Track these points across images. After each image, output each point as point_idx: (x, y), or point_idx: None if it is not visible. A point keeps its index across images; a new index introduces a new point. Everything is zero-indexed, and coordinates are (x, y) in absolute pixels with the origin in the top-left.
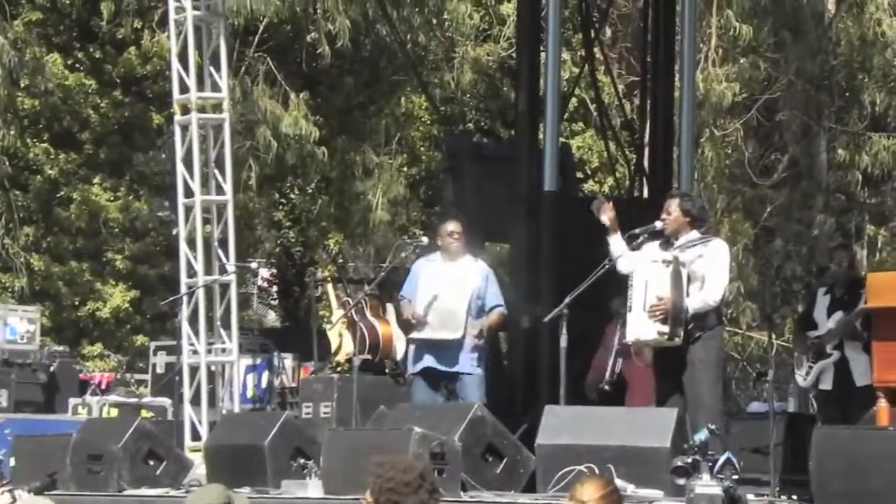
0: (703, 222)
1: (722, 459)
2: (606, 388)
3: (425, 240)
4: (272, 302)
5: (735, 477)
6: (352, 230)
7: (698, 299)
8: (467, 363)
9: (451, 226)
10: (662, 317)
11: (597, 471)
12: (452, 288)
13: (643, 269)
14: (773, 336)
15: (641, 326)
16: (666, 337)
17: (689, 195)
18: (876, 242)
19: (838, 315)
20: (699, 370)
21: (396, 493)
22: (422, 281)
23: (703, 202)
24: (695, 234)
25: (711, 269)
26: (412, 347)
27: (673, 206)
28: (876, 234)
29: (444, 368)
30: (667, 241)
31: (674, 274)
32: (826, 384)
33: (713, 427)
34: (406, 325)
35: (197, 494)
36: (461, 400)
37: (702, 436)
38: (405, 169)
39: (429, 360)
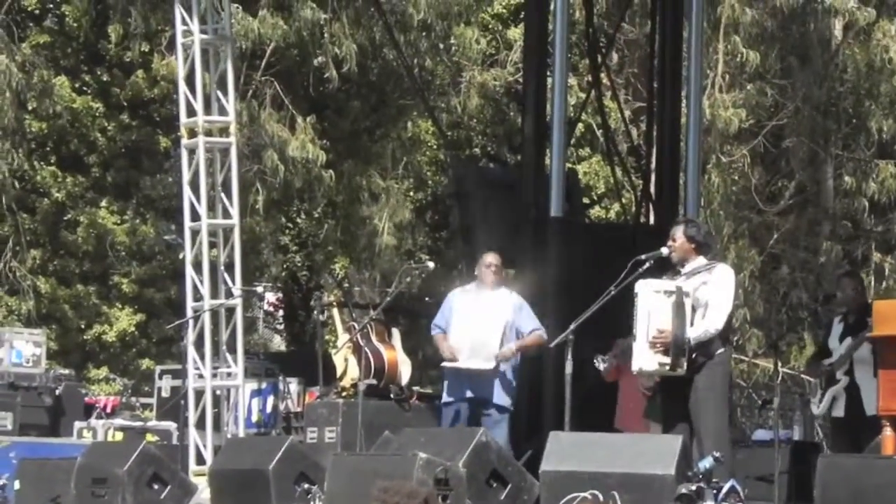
0: (710, 248)
1: (726, 487)
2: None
3: (431, 265)
4: (277, 326)
5: None
6: (358, 255)
7: (700, 328)
8: (501, 395)
9: (490, 258)
10: (664, 349)
11: (601, 497)
12: (486, 318)
13: (646, 299)
14: (779, 363)
15: (644, 357)
16: (667, 368)
17: (693, 222)
18: (883, 270)
19: (847, 341)
20: (704, 397)
21: None
22: (455, 311)
23: (709, 228)
24: (701, 260)
25: (715, 296)
26: (447, 376)
27: (678, 234)
28: (882, 261)
29: (477, 396)
30: (674, 269)
31: (676, 305)
32: (838, 411)
33: (718, 455)
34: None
35: None
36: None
37: (706, 463)
38: (411, 193)
39: (460, 390)
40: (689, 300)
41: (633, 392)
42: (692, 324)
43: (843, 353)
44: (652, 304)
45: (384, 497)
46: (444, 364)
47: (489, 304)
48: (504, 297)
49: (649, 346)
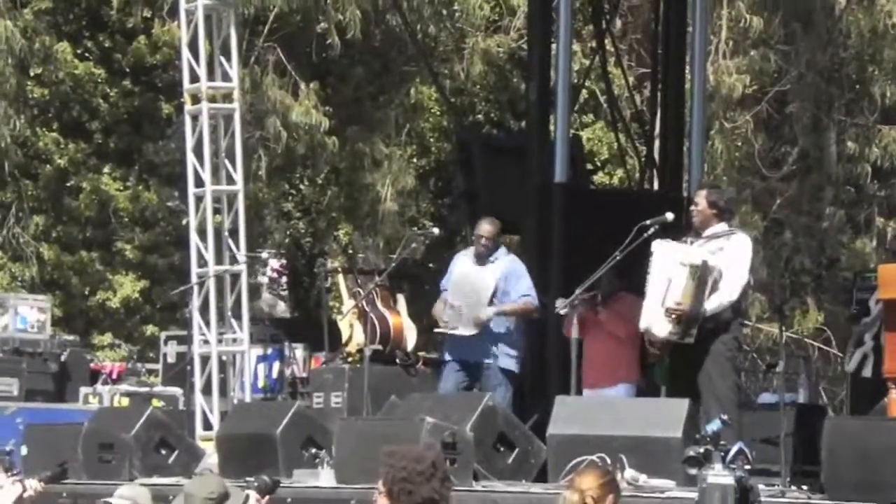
0: (731, 215)
1: (734, 450)
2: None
3: (436, 231)
4: (282, 292)
5: (747, 467)
6: (361, 221)
7: (716, 300)
8: (490, 352)
9: (482, 228)
10: (677, 320)
11: (608, 460)
12: (475, 285)
13: (666, 264)
14: (783, 328)
15: (655, 321)
16: (676, 337)
17: (717, 187)
18: (885, 235)
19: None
20: (712, 364)
21: (409, 482)
22: (453, 275)
23: (733, 193)
24: (722, 226)
25: (731, 266)
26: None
27: (701, 198)
28: (885, 226)
29: (468, 358)
30: (696, 232)
31: (699, 281)
32: (867, 371)
33: (725, 417)
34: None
35: (196, 483)
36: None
37: (714, 426)
38: (414, 160)
39: (455, 351)
40: (711, 277)
41: (600, 349)
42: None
43: (873, 316)
44: (674, 272)
45: (391, 461)
46: (436, 330)
47: (481, 271)
48: (497, 265)
49: (665, 314)
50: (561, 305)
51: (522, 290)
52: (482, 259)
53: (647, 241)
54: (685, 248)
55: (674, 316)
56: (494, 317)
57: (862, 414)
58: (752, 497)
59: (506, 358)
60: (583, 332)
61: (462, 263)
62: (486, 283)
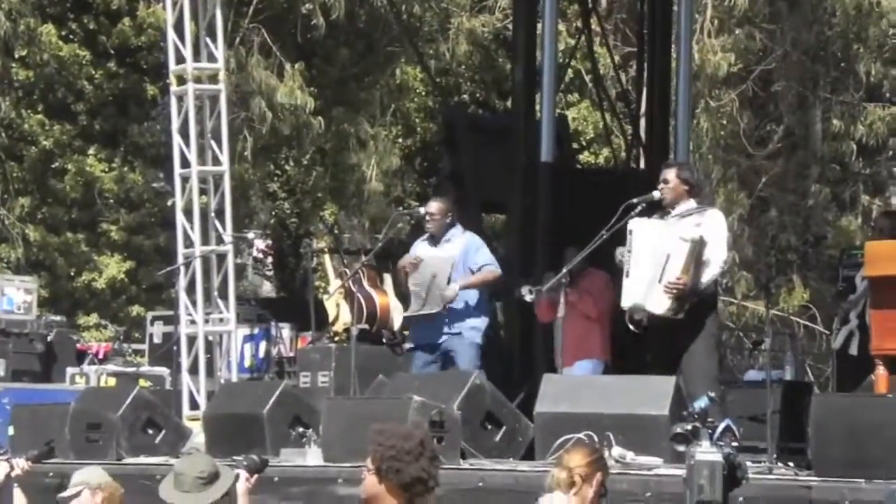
0: (700, 191)
1: (722, 426)
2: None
3: (422, 210)
4: (267, 273)
5: (735, 444)
6: (346, 201)
7: (707, 274)
8: (453, 327)
9: (429, 207)
10: (678, 296)
11: (596, 438)
12: (434, 266)
13: (666, 240)
14: (769, 305)
15: (652, 297)
16: (672, 313)
17: (686, 164)
18: (870, 213)
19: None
20: (694, 340)
21: (398, 460)
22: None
23: (699, 171)
24: (692, 203)
25: (712, 241)
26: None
27: (671, 175)
28: (870, 203)
29: (432, 340)
30: (663, 210)
31: (697, 256)
32: (853, 349)
33: (712, 394)
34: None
35: (185, 462)
36: (454, 364)
37: (701, 403)
38: (400, 140)
39: (420, 335)
40: (704, 251)
41: (573, 328)
42: None
43: (859, 293)
44: (674, 248)
45: (380, 439)
46: (404, 314)
47: (438, 251)
48: (454, 243)
49: (664, 290)
50: (526, 292)
51: (482, 260)
52: (435, 239)
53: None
54: (670, 223)
55: (675, 291)
56: (460, 291)
57: (847, 391)
58: (739, 474)
59: (469, 331)
60: (554, 316)
61: (419, 248)
62: (444, 262)
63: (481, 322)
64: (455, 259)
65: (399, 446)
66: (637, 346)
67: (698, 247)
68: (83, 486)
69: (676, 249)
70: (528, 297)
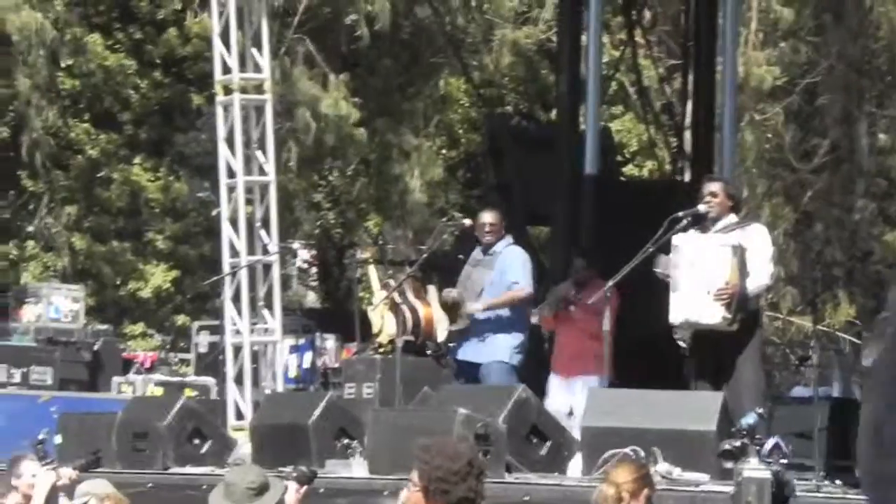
0: (741, 206)
1: (770, 443)
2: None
3: (467, 222)
4: (312, 283)
5: (783, 461)
6: (390, 212)
7: (753, 282)
8: (490, 352)
9: (482, 217)
10: (728, 301)
11: (642, 453)
12: (474, 279)
13: (707, 251)
14: (815, 321)
15: (703, 309)
16: (727, 322)
17: (730, 180)
18: None
19: None
20: (742, 353)
21: (445, 481)
22: (464, 270)
23: (741, 186)
24: (733, 217)
25: (756, 254)
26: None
27: (719, 189)
28: None
29: (470, 359)
30: (703, 224)
31: (741, 261)
32: None
33: (761, 410)
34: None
35: (236, 473)
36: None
37: (750, 419)
38: (443, 151)
39: (460, 351)
40: (746, 259)
41: (573, 339)
42: None
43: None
44: (717, 255)
45: (426, 457)
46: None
47: (483, 264)
48: (495, 256)
49: (714, 299)
50: (532, 314)
51: (513, 277)
52: (486, 249)
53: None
54: (714, 236)
55: (725, 296)
56: (482, 310)
57: None
58: (787, 491)
59: (501, 351)
60: (556, 324)
61: (472, 259)
62: (482, 276)
63: (514, 339)
64: (492, 278)
65: (447, 467)
66: (637, 361)
67: (739, 251)
68: (89, 496)
69: (719, 258)
70: (534, 318)
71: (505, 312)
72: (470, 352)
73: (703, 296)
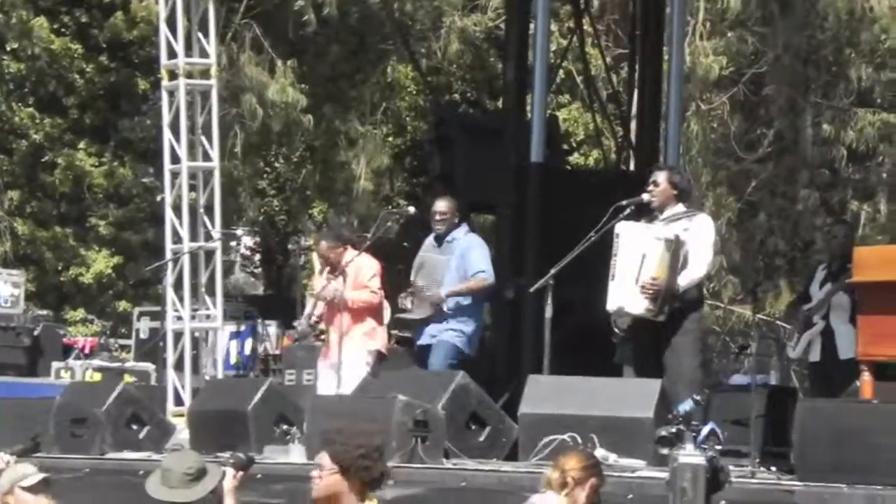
0: (689, 196)
1: (706, 430)
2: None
3: (411, 210)
4: (255, 270)
5: (718, 448)
6: (335, 199)
7: (686, 276)
8: (436, 332)
9: (436, 206)
10: (654, 296)
11: (580, 440)
12: (434, 266)
13: (639, 242)
14: (756, 310)
15: (630, 299)
16: (651, 315)
17: (676, 168)
18: (860, 218)
19: (827, 287)
20: (678, 342)
21: (367, 458)
22: (417, 258)
23: (689, 176)
24: (680, 207)
25: (697, 245)
26: None
27: (661, 179)
28: (860, 209)
29: (422, 343)
30: (651, 214)
31: (673, 255)
32: (815, 356)
33: (697, 398)
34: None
35: (173, 459)
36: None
37: (686, 406)
38: (390, 139)
39: (418, 338)
40: (682, 252)
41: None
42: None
43: (822, 297)
44: (649, 248)
45: (342, 439)
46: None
47: (440, 252)
48: (455, 244)
49: (640, 291)
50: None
51: (476, 266)
52: (440, 238)
53: (622, 220)
54: (655, 226)
55: (650, 291)
56: (447, 298)
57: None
58: (722, 477)
59: (453, 336)
60: None
61: (425, 246)
62: (442, 264)
63: (464, 326)
64: (452, 265)
65: (367, 444)
66: (577, 349)
67: (673, 246)
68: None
69: (651, 251)
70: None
71: (465, 300)
72: (427, 337)
73: (632, 285)
